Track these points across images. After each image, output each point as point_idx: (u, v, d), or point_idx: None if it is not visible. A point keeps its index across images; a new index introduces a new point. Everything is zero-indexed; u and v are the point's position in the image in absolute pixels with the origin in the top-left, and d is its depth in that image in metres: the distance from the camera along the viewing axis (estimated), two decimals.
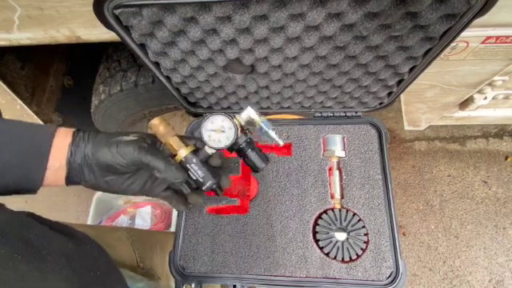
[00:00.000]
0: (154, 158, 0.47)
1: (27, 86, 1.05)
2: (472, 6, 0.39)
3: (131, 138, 0.48)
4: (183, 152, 0.51)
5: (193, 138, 0.54)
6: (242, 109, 0.61)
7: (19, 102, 0.99)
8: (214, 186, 0.53)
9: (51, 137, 0.46)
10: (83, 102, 1.16)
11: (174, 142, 0.51)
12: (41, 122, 1.09)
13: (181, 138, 0.52)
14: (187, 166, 0.51)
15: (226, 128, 0.50)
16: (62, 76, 1.20)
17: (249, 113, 0.51)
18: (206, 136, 0.50)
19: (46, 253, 0.35)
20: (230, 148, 0.52)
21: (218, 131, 0.50)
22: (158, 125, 0.50)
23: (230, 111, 0.72)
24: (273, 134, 0.51)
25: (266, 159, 0.55)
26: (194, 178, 0.52)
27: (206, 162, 0.52)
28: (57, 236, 0.40)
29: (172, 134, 0.51)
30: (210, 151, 0.52)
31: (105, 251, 0.47)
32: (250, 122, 0.52)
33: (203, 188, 0.52)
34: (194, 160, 0.51)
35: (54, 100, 1.17)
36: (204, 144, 0.51)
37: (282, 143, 0.52)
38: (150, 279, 0.68)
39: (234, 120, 0.50)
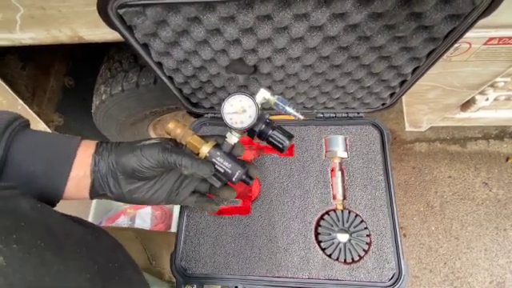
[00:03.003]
0: (179, 156, 0.48)
1: (28, 86, 1.05)
2: (477, 6, 0.39)
3: (154, 141, 0.49)
4: (205, 148, 0.51)
5: (211, 136, 0.55)
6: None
7: (20, 102, 0.98)
8: (244, 177, 0.52)
9: (75, 147, 0.46)
10: (84, 103, 1.16)
11: (194, 141, 0.51)
12: (42, 122, 1.09)
13: (201, 136, 0.53)
14: (212, 160, 0.51)
15: (246, 107, 0.50)
16: (63, 76, 1.19)
17: (263, 94, 0.50)
18: (227, 119, 0.50)
19: (66, 241, 0.35)
20: (251, 133, 0.51)
21: (239, 112, 0.50)
22: (174, 128, 0.51)
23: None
24: (290, 109, 0.49)
25: (290, 135, 0.53)
26: (222, 170, 0.52)
27: (230, 153, 0.52)
28: (76, 226, 0.40)
29: (191, 133, 0.51)
30: (232, 141, 0.51)
31: (121, 244, 0.47)
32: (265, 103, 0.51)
33: (233, 179, 0.52)
34: (218, 153, 0.51)
35: (55, 100, 1.16)
36: (224, 138, 0.52)
37: (302, 117, 0.50)
38: (161, 279, 0.68)
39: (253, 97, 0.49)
